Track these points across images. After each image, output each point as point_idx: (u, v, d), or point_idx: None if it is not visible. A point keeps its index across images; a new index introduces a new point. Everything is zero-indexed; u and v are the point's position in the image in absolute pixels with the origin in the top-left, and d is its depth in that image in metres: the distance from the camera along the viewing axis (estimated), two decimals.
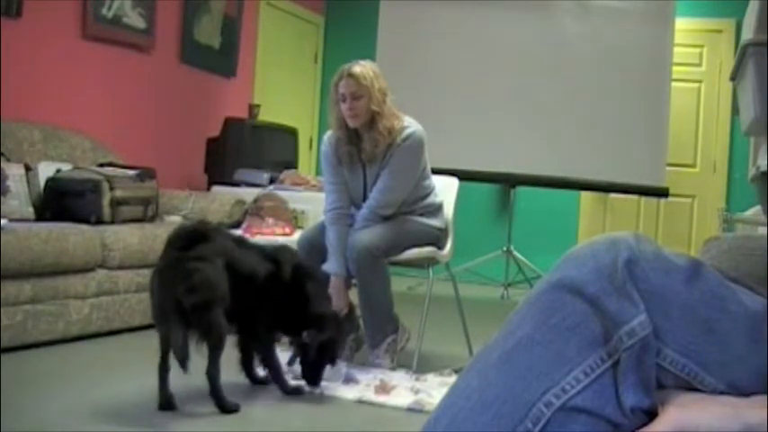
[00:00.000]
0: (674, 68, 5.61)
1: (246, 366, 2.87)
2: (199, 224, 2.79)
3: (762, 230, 3.69)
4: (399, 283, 3.81)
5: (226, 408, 2.52)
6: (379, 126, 3.18)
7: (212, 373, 2.49)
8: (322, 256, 3.18)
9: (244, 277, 2.69)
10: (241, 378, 2.92)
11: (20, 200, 3.56)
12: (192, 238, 2.54)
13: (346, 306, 3.14)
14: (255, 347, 2.84)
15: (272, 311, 2.79)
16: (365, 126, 3.21)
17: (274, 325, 2.84)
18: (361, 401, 2.75)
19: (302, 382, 2.86)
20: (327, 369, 2.92)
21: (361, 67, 3.21)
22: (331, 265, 3.14)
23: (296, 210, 4.37)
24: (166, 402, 2.50)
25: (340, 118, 3.24)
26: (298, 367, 2.93)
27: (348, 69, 3.21)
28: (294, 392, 2.80)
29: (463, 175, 3.99)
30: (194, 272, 2.43)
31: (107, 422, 2.38)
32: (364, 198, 3.27)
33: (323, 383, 2.86)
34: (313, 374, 2.81)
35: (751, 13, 2.09)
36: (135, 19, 4.85)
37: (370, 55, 3.45)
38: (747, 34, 2.06)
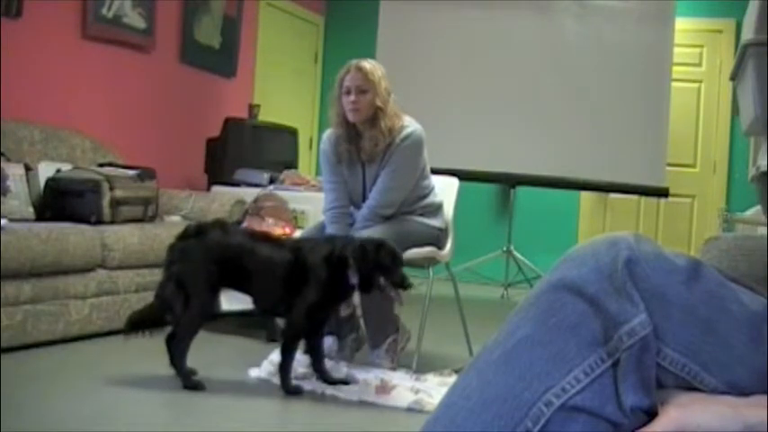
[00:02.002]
0: (674, 68, 5.61)
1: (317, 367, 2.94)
2: (210, 222, 3.03)
3: (762, 230, 3.70)
4: None
5: (188, 385, 2.74)
6: (381, 125, 3.17)
7: (175, 347, 2.79)
8: None
9: (263, 270, 2.84)
10: (242, 376, 2.93)
11: (20, 200, 3.56)
12: (194, 233, 2.89)
13: (349, 306, 3.14)
14: (284, 333, 2.88)
15: (308, 304, 2.82)
16: (366, 123, 3.20)
17: (314, 315, 2.87)
18: (361, 401, 2.75)
19: (302, 383, 2.87)
20: (327, 368, 2.93)
21: (370, 64, 3.23)
22: None
23: (296, 210, 4.37)
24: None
25: (341, 114, 3.24)
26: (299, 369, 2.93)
27: (357, 63, 3.22)
28: (294, 392, 2.80)
29: (463, 175, 3.99)
30: (171, 264, 2.86)
31: (107, 422, 2.38)
32: (364, 198, 3.27)
33: (322, 385, 2.87)
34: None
35: (751, 13, 2.09)
36: (135, 19, 4.85)
37: (370, 55, 3.45)
38: (747, 34, 2.06)
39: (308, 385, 2.86)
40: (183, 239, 2.89)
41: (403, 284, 2.87)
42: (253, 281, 2.88)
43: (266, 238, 3.02)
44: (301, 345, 2.97)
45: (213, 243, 2.86)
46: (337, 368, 2.99)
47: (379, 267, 2.81)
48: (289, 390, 2.79)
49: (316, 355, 2.93)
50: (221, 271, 2.83)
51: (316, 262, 2.82)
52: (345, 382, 2.90)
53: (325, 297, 2.86)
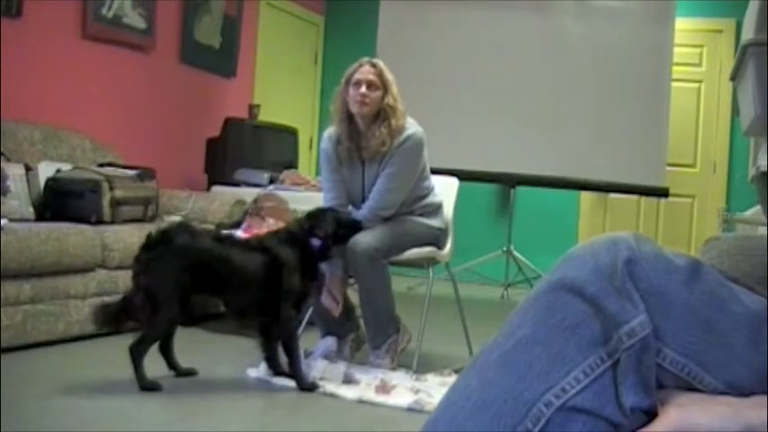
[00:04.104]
0: (674, 68, 5.61)
1: (270, 361, 2.95)
2: (174, 226, 2.94)
3: (762, 230, 3.69)
4: (399, 283, 3.81)
5: (144, 386, 2.68)
6: (392, 123, 3.17)
7: (136, 350, 2.71)
8: None
9: (236, 273, 2.83)
10: (242, 376, 2.93)
11: (20, 200, 3.56)
12: (159, 241, 2.80)
13: (339, 304, 3.14)
14: (281, 335, 2.91)
15: (292, 296, 2.88)
16: (368, 119, 3.20)
17: (299, 303, 2.95)
18: (361, 401, 2.75)
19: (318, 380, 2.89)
20: (326, 368, 2.94)
21: (384, 65, 3.26)
22: (329, 264, 3.14)
23: (296, 210, 4.36)
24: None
25: (344, 111, 3.24)
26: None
27: (371, 59, 3.27)
28: (311, 389, 2.84)
29: (463, 175, 3.99)
30: (138, 275, 2.77)
31: (107, 422, 2.38)
32: (363, 198, 3.27)
33: (322, 382, 2.87)
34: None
35: (751, 13, 2.09)
36: (135, 19, 4.85)
37: (370, 55, 3.45)
38: (747, 34, 2.06)
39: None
40: (148, 249, 2.79)
41: (357, 225, 3.08)
42: (223, 285, 2.86)
43: (233, 240, 2.98)
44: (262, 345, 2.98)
45: (181, 250, 2.78)
46: (336, 368, 2.98)
47: (330, 223, 3.01)
48: (305, 387, 2.83)
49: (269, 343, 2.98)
50: (191, 278, 2.78)
51: (285, 252, 2.90)
52: (314, 387, 2.88)
53: (302, 281, 2.93)
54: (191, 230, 2.89)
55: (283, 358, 2.99)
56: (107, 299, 3.50)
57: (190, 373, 2.89)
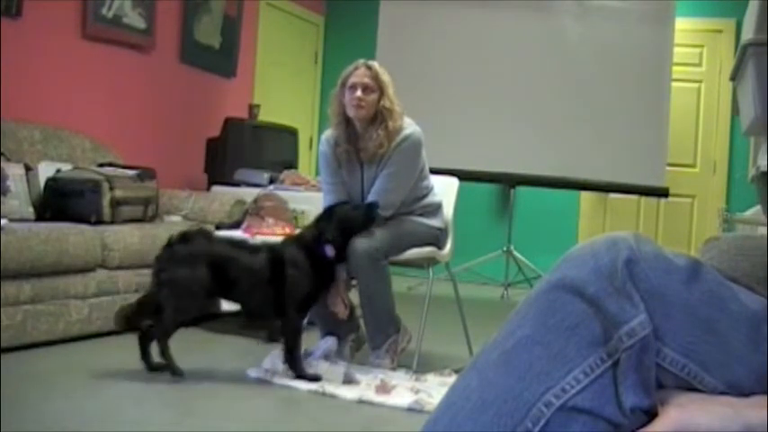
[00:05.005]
0: (674, 68, 5.61)
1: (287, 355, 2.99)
2: (192, 231, 3.08)
3: (762, 230, 3.69)
4: (399, 283, 3.81)
5: (175, 372, 2.82)
6: (389, 126, 3.17)
7: (163, 341, 2.84)
8: None
9: (249, 275, 2.92)
10: (242, 376, 2.93)
11: (20, 200, 3.56)
12: (179, 242, 2.93)
13: (346, 308, 3.14)
14: (283, 332, 2.98)
15: (297, 296, 2.94)
16: (365, 122, 3.20)
17: (306, 303, 3.00)
18: (361, 401, 2.75)
19: (298, 382, 2.89)
20: (326, 368, 2.94)
21: (380, 66, 3.25)
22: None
23: (296, 210, 4.36)
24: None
25: (340, 113, 3.24)
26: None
27: (366, 62, 3.25)
28: (315, 379, 2.90)
29: (463, 175, 3.99)
30: (160, 272, 2.89)
31: (107, 422, 2.38)
32: (362, 199, 3.27)
33: (323, 381, 2.87)
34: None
35: (751, 13, 2.09)
36: (135, 19, 4.85)
37: (370, 55, 3.46)
38: (747, 34, 2.06)
39: (307, 385, 2.87)
40: (169, 248, 2.93)
41: (370, 216, 3.05)
42: (238, 288, 2.95)
43: (244, 245, 3.08)
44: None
45: (199, 251, 2.92)
46: (336, 368, 2.98)
47: (347, 223, 3.02)
48: (307, 378, 2.89)
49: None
50: (208, 277, 2.88)
51: (292, 254, 2.96)
52: (317, 378, 2.92)
53: (311, 283, 2.97)
54: (208, 235, 3.05)
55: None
56: (107, 299, 3.52)
57: (159, 368, 2.91)
